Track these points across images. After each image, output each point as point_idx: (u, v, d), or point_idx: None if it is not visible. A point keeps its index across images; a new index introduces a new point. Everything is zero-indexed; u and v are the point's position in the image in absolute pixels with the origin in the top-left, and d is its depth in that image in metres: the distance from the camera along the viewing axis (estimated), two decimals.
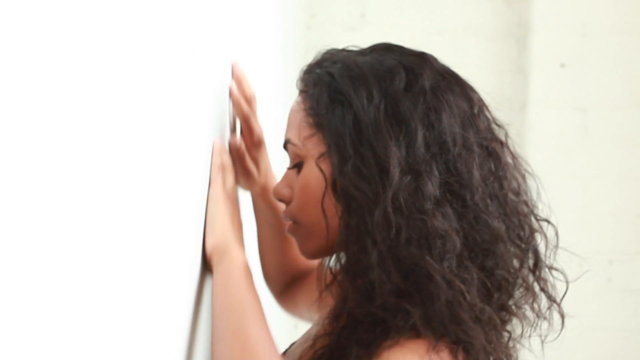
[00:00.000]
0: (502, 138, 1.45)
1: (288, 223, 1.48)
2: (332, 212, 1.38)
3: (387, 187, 1.33)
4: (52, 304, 0.75)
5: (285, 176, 1.48)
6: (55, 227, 0.75)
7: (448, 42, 4.20)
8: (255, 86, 1.71)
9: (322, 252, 1.44)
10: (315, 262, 1.78)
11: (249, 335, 1.32)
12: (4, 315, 0.66)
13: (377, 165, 1.34)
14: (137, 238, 1.00)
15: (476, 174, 1.37)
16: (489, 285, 1.36)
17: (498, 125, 1.45)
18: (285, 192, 1.47)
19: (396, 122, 1.36)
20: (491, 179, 1.39)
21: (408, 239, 1.32)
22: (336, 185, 1.38)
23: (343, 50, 1.47)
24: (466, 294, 1.32)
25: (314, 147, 1.42)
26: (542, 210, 1.47)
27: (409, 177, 1.33)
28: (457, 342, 1.32)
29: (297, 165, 1.44)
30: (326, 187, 1.38)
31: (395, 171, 1.33)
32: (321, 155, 1.40)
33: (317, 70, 1.44)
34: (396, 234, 1.32)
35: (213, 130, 1.45)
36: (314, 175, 1.41)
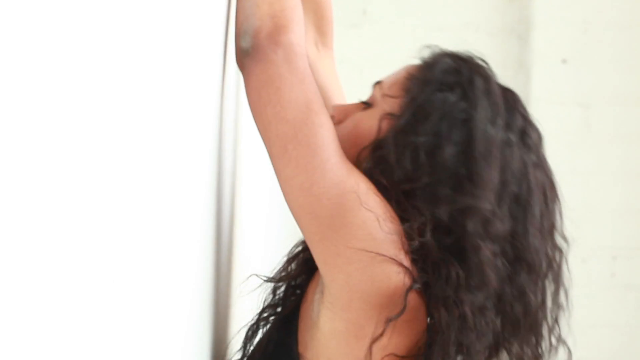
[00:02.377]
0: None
1: None
2: (355, 162, 1.39)
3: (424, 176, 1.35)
4: (54, 303, 0.75)
5: (352, 104, 1.50)
6: (58, 227, 0.75)
7: (449, 39, 4.19)
8: None
9: None
10: None
11: None
12: (4, 315, 0.66)
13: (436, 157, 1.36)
14: (137, 237, 1.00)
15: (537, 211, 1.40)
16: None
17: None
18: (342, 115, 1.48)
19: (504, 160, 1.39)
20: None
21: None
22: (379, 146, 1.39)
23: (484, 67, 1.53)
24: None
25: (388, 103, 1.43)
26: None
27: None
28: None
29: (366, 104, 1.46)
30: (372, 142, 1.40)
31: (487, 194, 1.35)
32: (388, 115, 1.41)
33: (462, 66, 1.48)
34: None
35: (213, 130, 1.45)
36: (370, 123, 1.42)
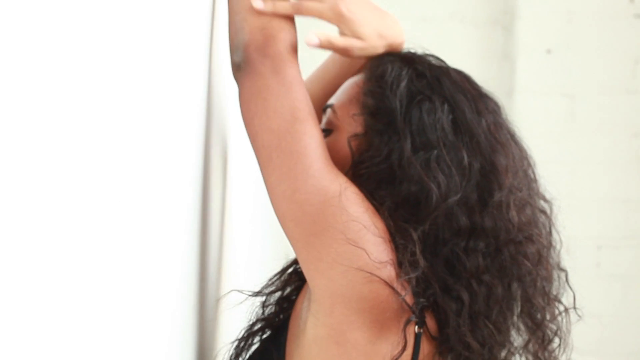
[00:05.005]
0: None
1: None
2: None
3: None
4: (50, 303, 0.74)
5: None
6: (51, 225, 0.74)
7: (434, 30, 4.20)
8: None
9: None
10: None
11: None
12: (4, 315, 0.66)
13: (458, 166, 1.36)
14: (130, 236, 1.00)
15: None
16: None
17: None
18: None
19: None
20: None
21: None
22: (359, 167, 1.38)
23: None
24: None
25: (351, 125, 1.42)
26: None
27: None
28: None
29: (325, 131, 1.45)
30: (351, 165, 1.39)
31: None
32: (355, 135, 1.40)
33: (420, 68, 1.43)
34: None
35: (205, 130, 1.45)
36: (340, 149, 1.41)
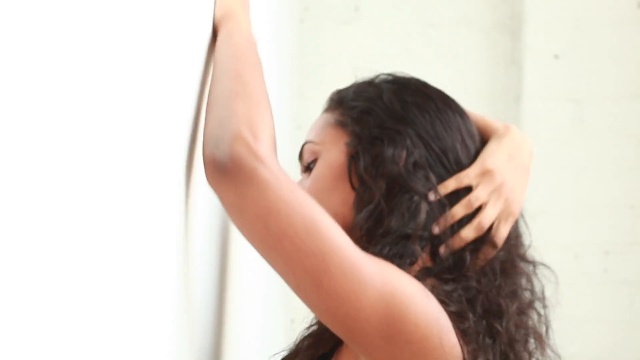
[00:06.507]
0: None
1: None
2: (344, 198, 1.40)
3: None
4: (47, 303, 0.75)
5: (300, 184, 1.45)
6: (45, 225, 0.75)
7: (442, 35, 4.19)
8: None
9: None
10: None
11: (249, 82, 1.30)
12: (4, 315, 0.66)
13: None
14: (126, 237, 1.00)
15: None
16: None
17: None
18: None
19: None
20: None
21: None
22: (355, 171, 1.40)
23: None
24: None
25: (333, 143, 1.43)
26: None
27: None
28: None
29: (311, 163, 1.45)
30: (350, 170, 1.40)
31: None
32: (347, 147, 1.41)
33: (373, 87, 1.46)
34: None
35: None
36: (332, 163, 1.41)
